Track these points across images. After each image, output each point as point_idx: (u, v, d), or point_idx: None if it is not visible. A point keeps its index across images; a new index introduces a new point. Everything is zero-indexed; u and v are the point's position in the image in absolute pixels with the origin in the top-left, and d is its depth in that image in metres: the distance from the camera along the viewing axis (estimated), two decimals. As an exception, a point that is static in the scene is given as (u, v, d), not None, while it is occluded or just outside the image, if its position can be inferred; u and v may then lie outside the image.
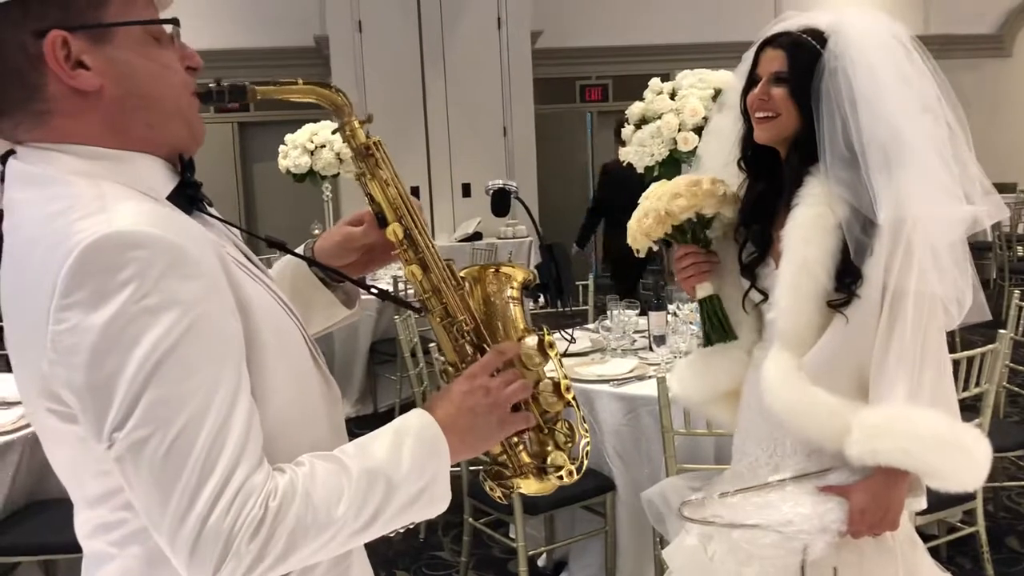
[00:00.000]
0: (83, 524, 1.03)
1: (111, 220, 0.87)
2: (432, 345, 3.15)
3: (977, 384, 2.75)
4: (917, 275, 1.54)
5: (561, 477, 1.14)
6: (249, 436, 0.90)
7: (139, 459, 0.87)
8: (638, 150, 3.33)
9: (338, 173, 5.67)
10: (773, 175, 1.74)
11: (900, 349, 1.55)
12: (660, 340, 3.29)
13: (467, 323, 1.14)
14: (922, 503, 1.69)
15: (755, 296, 1.76)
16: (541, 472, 1.14)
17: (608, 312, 3.49)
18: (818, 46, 1.63)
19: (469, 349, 1.13)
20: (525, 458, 1.14)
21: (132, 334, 0.85)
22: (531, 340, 1.14)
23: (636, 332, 3.51)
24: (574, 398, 1.16)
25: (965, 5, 11.10)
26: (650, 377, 2.94)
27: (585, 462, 1.17)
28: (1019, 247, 7.85)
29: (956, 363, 2.80)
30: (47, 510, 2.85)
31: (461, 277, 1.16)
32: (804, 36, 1.66)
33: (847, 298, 1.58)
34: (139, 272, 0.85)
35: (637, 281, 5.89)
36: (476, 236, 8.30)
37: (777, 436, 1.72)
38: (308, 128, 5.88)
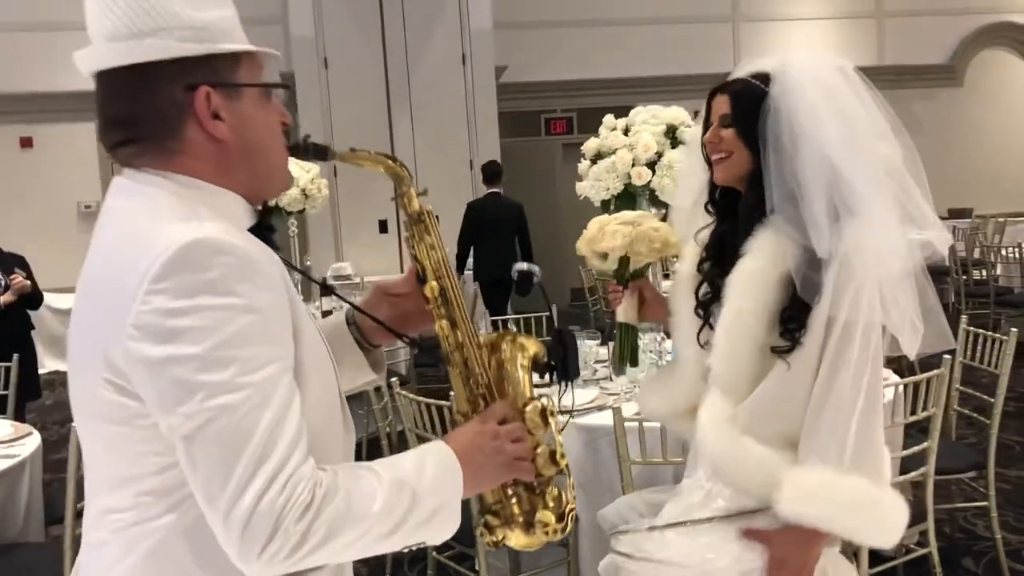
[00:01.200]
0: (99, 507, 1.11)
1: (202, 229, 1.02)
2: (395, 380, 3.18)
3: (924, 408, 2.82)
4: (867, 311, 1.59)
5: (547, 533, 1.27)
6: (301, 431, 1.02)
7: (205, 436, 0.97)
8: (594, 184, 3.41)
9: (303, 209, 5.68)
10: (735, 217, 1.79)
11: (838, 404, 1.60)
12: (620, 370, 3.34)
13: (483, 378, 1.28)
14: (837, 545, 1.77)
15: (707, 334, 1.81)
16: (529, 527, 1.27)
17: (569, 343, 3.54)
18: (763, 87, 1.69)
19: (481, 403, 1.28)
20: (515, 510, 1.27)
21: (211, 324, 0.98)
22: (534, 407, 1.27)
23: (597, 362, 3.56)
24: (567, 466, 1.28)
25: (918, 37, 11.42)
26: (609, 407, 2.99)
27: (571, 525, 1.29)
28: (975, 271, 8.01)
29: (905, 387, 2.88)
30: (5, 555, 2.85)
31: (486, 340, 1.31)
32: (751, 80, 1.73)
33: (791, 345, 1.63)
34: (223, 274, 0.99)
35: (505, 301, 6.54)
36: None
37: (713, 473, 1.79)
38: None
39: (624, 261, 1.92)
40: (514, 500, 1.26)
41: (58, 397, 7.48)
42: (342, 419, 1.20)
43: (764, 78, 1.71)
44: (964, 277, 7.80)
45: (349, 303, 1.42)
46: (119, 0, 1.08)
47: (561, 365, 1.35)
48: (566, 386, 1.36)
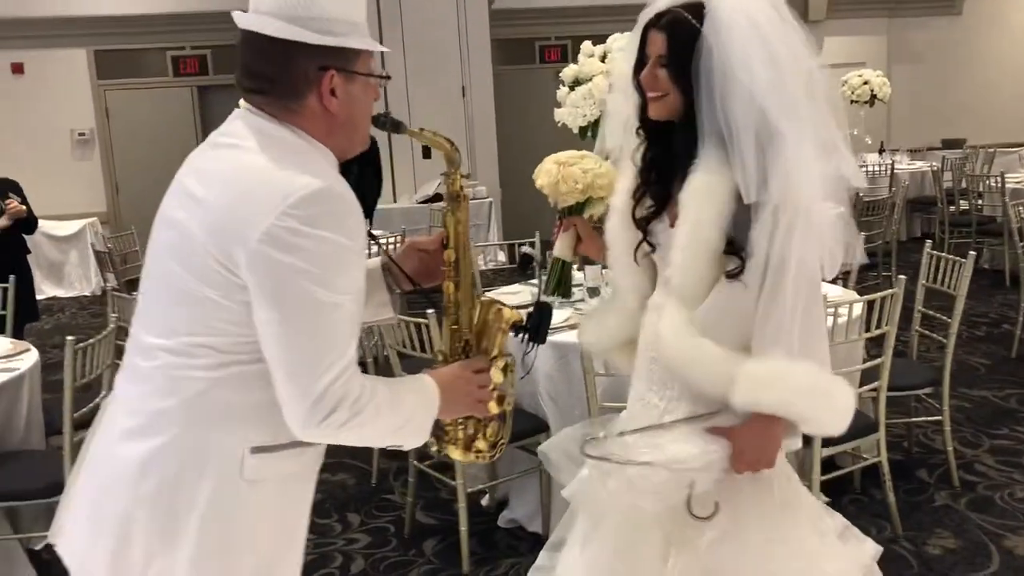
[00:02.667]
0: (149, 344, 1.41)
1: (327, 178, 1.34)
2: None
3: (878, 326, 2.96)
4: (797, 247, 1.67)
5: (478, 456, 1.67)
6: (355, 353, 1.36)
7: (302, 328, 1.30)
8: (571, 111, 3.49)
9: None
10: (670, 139, 1.83)
11: (781, 314, 1.70)
12: (594, 292, 3.48)
13: (467, 333, 1.64)
14: (797, 443, 1.87)
15: (646, 247, 1.89)
16: (467, 449, 1.67)
17: (546, 267, 3.66)
18: (697, 24, 1.70)
19: (460, 350, 1.64)
20: (460, 435, 1.66)
21: (325, 249, 1.29)
22: (501, 362, 1.63)
23: (575, 285, 3.68)
24: (510, 412, 1.69)
25: (917, -37, 11.25)
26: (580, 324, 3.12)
27: (499, 454, 1.71)
28: (962, 201, 8.09)
29: (862, 305, 3.02)
30: (9, 461, 3.01)
31: (479, 302, 1.66)
32: (684, 15, 1.72)
33: (741, 266, 1.71)
34: (342, 218, 1.32)
35: None
36: (437, 197, 8.41)
37: (668, 381, 1.86)
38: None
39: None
40: (462, 427, 1.65)
41: (56, 321, 7.65)
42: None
43: (698, 11, 1.70)
44: (952, 208, 7.88)
45: (386, 253, 1.75)
46: None
47: (535, 331, 1.73)
48: (534, 347, 1.74)
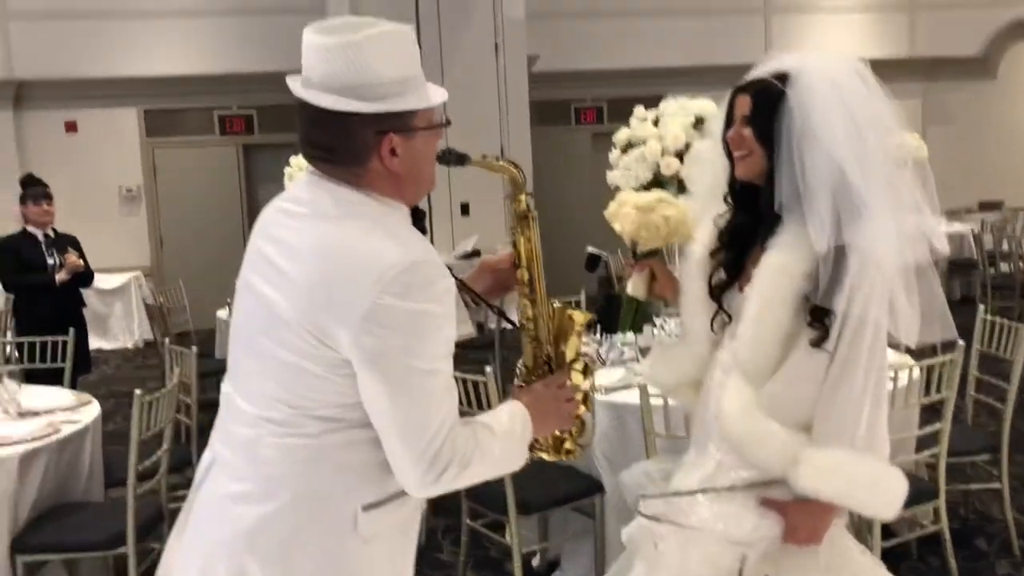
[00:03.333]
0: (255, 415, 1.43)
1: (415, 250, 1.38)
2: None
3: (939, 391, 2.94)
4: (876, 307, 1.70)
5: (569, 455, 1.73)
6: (457, 418, 1.42)
7: (403, 394, 1.35)
8: (624, 173, 3.54)
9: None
10: (755, 209, 1.87)
11: (850, 393, 1.72)
12: (647, 352, 3.49)
13: (547, 348, 1.68)
14: (844, 518, 1.90)
15: (723, 318, 1.91)
16: (557, 452, 1.73)
17: (599, 327, 3.69)
18: (781, 87, 1.77)
19: (543, 362, 1.68)
20: (550, 440, 1.72)
21: (422, 323, 1.35)
22: (580, 364, 1.70)
23: (625, 344, 3.70)
24: (592, 406, 1.75)
25: (950, 28, 11.36)
26: (636, 386, 3.14)
27: (585, 448, 1.77)
28: (1003, 264, 8.05)
29: (920, 370, 3.01)
30: (71, 513, 3.05)
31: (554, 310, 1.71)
32: (771, 80, 1.80)
33: (824, 334, 1.73)
34: (436, 290, 1.37)
35: None
36: (474, 253, 8.51)
37: (725, 445, 1.87)
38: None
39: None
40: (550, 434, 1.71)
41: (101, 373, 7.75)
42: None
43: (783, 77, 1.78)
44: (992, 270, 7.84)
45: (458, 280, 1.74)
46: (337, 58, 1.38)
47: (607, 322, 1.79)
48: (609, 335, 1.73)
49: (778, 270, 1.75)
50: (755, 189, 1.86)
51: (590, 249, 1.83)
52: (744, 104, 1.83)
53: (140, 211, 9.64)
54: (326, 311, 1.35)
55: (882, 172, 1.74)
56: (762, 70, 1.86)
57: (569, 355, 1.70)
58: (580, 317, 1.71)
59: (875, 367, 1.73)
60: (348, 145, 1.40)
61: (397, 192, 1.45)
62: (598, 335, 1.82)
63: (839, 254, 1.71)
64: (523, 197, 1.67)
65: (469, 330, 1.77)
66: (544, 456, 1.73)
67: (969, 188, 11.00)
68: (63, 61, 9.14)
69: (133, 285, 8.97)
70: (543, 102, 10.16)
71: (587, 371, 1.73)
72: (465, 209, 9.15)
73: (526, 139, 9.30)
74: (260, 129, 9.73)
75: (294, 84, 1.43)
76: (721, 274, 1.91)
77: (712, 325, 1.92)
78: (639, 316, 2.08)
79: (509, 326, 1.83)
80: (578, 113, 10.99)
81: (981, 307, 3.73)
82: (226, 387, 1.51)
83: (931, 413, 3.19)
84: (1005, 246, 8.26)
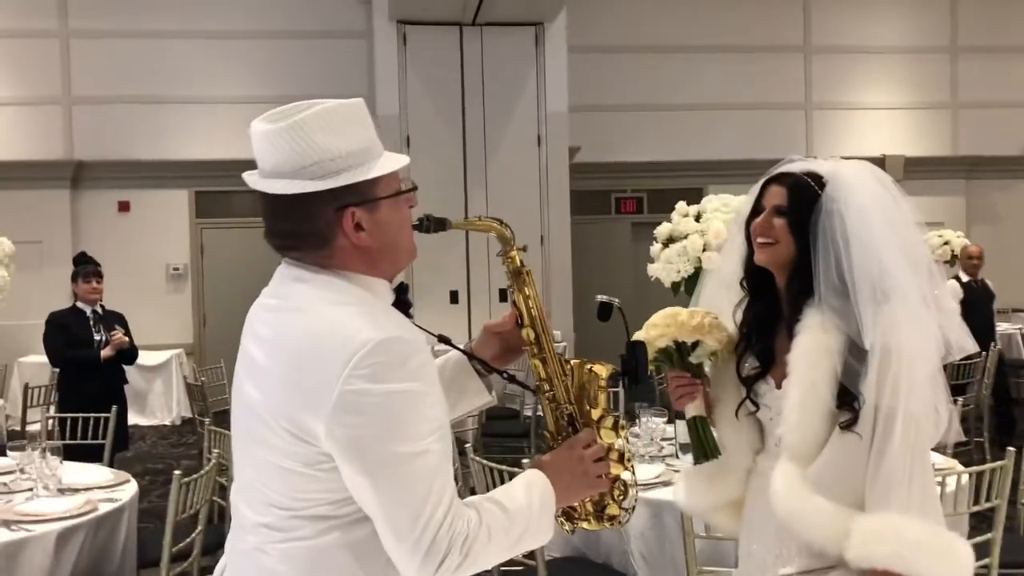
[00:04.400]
0: (254, 522, 1.38)
1: (387, 328, 1.31)
2: (467, 446, 3.34)
3: (988, 499, 2.85)
4: (905, 396, 1.71)
5: (614, 523, 1.61)
6: (455, 496, 1.32)
7: (394, 485, 1.27)
8: (666, 267, 3.57)
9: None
10: (769, 296, 1.93)
11: (891, 465, 1.71)
12: (686, 448, 3.43)
13: (567, 407, 1.57)
14: None
15: (747, 407, 1.91)
16: (600, 520, 1.60)
17: (637, 419, 3.66)
18: (817, 188, 1.83)
19: (565, 424, 1.58)
20: (589, 507, 1.60)
21: (398, 403, 1.28)
22: (608, 421, 1.59)
23: (663, 439, 3.66)
24: (631, 464, 1.62)
25: (993, 127, 11.39)
26: (674, 483, 3.08)
27: (632, 512, 1.63)
28: (1051, 366, 7.86)
29: (969, 476, 2.92)
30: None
31: (570, 368, 1.60)
32: (805, 178, 1.86)
33: (854, 417, 1.74)
34: (408, 367, 1.29)
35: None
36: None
37: (784, 538, 1.85)
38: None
39: (685, 351, 1.95)
40: (589, 499, 1.59)
41: (136, 450, 7.79)
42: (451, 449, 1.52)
43: (817, 179, 1.85)
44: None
45: (462, 350, 1.70)
46: (281, 138, 1.35)
47: (633, 373, 1.69)
48: (635, 386, 1.70)
49: (814, 350, 1.77)
50: (769, 278, 1.91)
51: (600, 297, 1.73)
52: (778, 195, 1.87)
53: (186, 289, 9.85)
54: (298, 403, 1.30)
55: (912, 271, 1.80)
56: (792, 167, 1.91)
57: (595, 413, 1.59)
58: (603, 370, 1.61)
59: (911, 445, 1.71)
60: (310, 228, 1.36)
61: (372, 267, 1.40)
62: (624, 385, 1.70)
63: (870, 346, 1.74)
64: (514, 253, 1.59)
65: (487, 398, 1.70)
66: (586, 526, 1.61)
67: (1016, 288, 10.87)
68: (120, 143, 9.51)
69: (174, 362, 9.09)
70: (584, 192, 10.31)
71: (618, 427, 1.60)
72: (503, 295, 9.20)
73: (566, 228, 9.41)
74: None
75: (250, 178, 1.39)
76: (752, 363, 1.92)
77: (736, 413, 1.92)
78: (708, 436, 1.98)
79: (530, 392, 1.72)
80: (618, 203, 11.11)
81: (1031, 411, 3.62)
82: (232, 494, 1.49)
83: (981, 521, 3.08)
84: (1053, 348, 8.08)
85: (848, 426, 1.75)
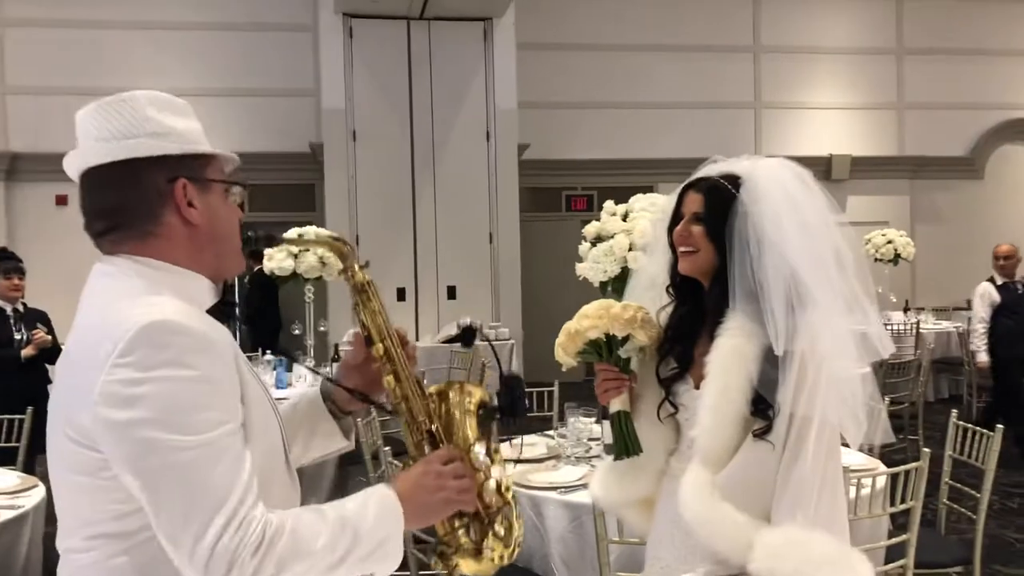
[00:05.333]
0: (63, 548, 1.26)
1: (163, 310, 1.19)
2: (387, 449, 3.27)
3: (903, 501, 2.86)
4: (820, 405, 1.69)
5: (494, 560, 1.43)
6: (252, 480, 1.18)
7: (167, 487, 1.13)
8: (592, 266, 3.53)
9: (320, 276, 5.86)
10: (696, 300, 1.91)
11: (800, 477, 1.69)
12: (611, 448, 3.40)
13: (425, 424, 1.44)
14: None
15: (668, 408, 1.89)
16: (478, 554, 1.42)
17: (565, 419, 3.61)
18: (733, 190, 1.81)
19: (427, 447, 1.44)
20: (463, 540, 1.42)
21: (168, 392, 1.15)
22: (480, 446, 1.44)
23: (592, 439, 3.61)
24: (513, 496, 1.47)
25: (938, 129, 11.57)
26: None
27: (518, 551, 1.46)
28: (989, 364, 7.97)
29: (887, 478, 2.92)
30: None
31: (429, 392, 1.48)
32: (721, 181, 1.84)
33: (768, 426, 1.72)
34: (179, 350, 1.16)
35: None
36: (458, 338, 8.44)
37: (690, 544, 1.83)
38: (294, 230, 6.10)
39: (615, 344, 1.92)
40: (462, 531, 1.42)
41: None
42: (288, 477, 1.37)
43: (734, 180, 1.82)
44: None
45: (321, 375, 1.60)
46: (106, 110, 1.30)
47: (509, 407, 1.54)
48: (512, 422, 1.54)
49: (731, 353, 1.75)
50: (696, 283, 1.89)
51: (463, 321, 1.63)
52: (695, 202, 1.85)
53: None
54: (72, 402, 1.19)
55: (830, 274, 1.76)
56: (711, 170, 1.89)
57: (467, 437, 1.46)
58: (477, 391, 1.50)
59: (823, 455, 1.70)
60: (138, 196, 1.27)
61: (196, 254, 1.31)
62: (500, 420, 1.52)
63: (784, 352, 1.71)
64: (357, 267, 1.50)
65: (343, 443, 1.57)
66: (467, 567, 1.42)
67: (958, 286, 11.04)
68: (57, 135, 9.22)
69: (112, 360, 8.87)
70: (534, 189, 10.28)
71: (492, 452, 1.46)
72: (452, 293, 9.14)
73: (516, 226, 9.37)
74: (251, 207, 9.79)
75: (70, 159, 1.31)
76: (671, 365, 1.90)
77: (658, 414, 1.90)
78: (632, 433, 1.93)
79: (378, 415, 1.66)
80: (569, 201, 11.10)
81: (954, 412, 3.65)
82: None
83: (903, 519, 3.08)
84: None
85: (761, 435, 1.72)
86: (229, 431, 1.19)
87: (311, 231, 1.56)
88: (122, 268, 1.29)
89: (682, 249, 1.85)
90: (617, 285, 3.49)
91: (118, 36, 9.44)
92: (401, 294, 9.02)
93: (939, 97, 11.56)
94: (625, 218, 3.50)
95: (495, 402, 1.53)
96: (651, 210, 3.49)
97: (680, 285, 1.93)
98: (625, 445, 1.89)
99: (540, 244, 10.34)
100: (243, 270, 1.44)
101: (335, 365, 5.81)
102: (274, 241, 1.52)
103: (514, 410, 1.56)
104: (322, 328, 7.46)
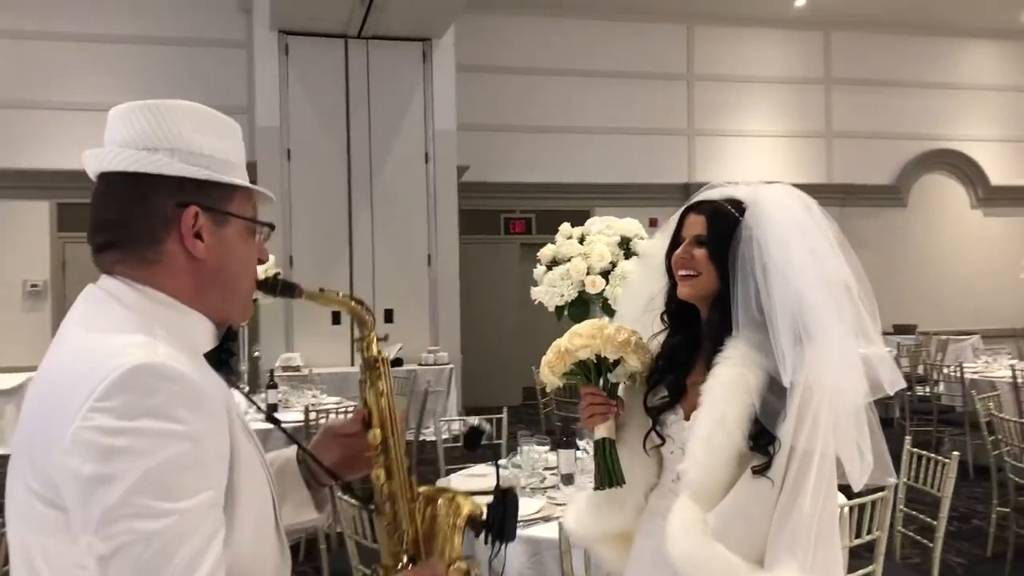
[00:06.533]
0: None
1: (154, 352, 1.04)
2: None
3: (870, 531, 2.82)
4: (823, 438, 1.61)
5: None
6: (219, 567, 1.02)
7: (121, 559, 0.97)
8: (549, 290, 3.44)
9: (256, 299, 5.66)
10: (691, 329, 1.83)
11: (799, 519, 1.61)
12: (568, 479, 3.30)
13: (408, 534, 1.30)
14: None
15: (654, 439, 1.81)
16: None
17: (519, 448, 3.50)
18: (736, 214, 1.74)
19: (404, 558, 1.29)
20: None
21: (146, 448, 0.99)
22: (457, 568, 1.30)
23: (546, 469, 3.51)
24: None
25: (865, 158, 11.91)
26: (556, 518, 2.94)
27: None
28: (919, 387, 8.16)
29: (851, 509, 2.88)
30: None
31: (418, 492, 1.33)
32: (725, 204, 1.77)
33: (768, 461, 1.63)
34: (167, 400, 1.01)
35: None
36: (397, 362, 8.29)
37: None
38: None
39: (605, 367, 1.83)
40: None
41: (-15, 482, 7.18)
42: (278, 548, 1.21)
43: (737, 205, 1.76)
44: (908, 393, 7.93)
45: (298, 443, 1.42)
46: (138, 115, 1.17)
47: (498, 527, 1.36)
48: (499, 546, 1.37)
49: (732, 383, 1.66)
50: (692, 309, 1.81)
51: (471, 421, 1.48)
52: (697, 224, 1.78)
53: (45, 307, 9.19)
54: (40, 445, 1.02)
55: (840, 303, 1.70)
56: (711, 194, 1.83)
57: (446, 553, 1.33)
58: (465, 504, 1.35)
59: (822, 497, 1.62)
60: (142, 214, 1.14)
61: (198, 292, 1.17)
62: (487, 543, 1.36)
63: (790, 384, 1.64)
64: (373, 339, 1.35)
65: (313, 515, 1.41)
66: None
67: (882, 312, 11.29)
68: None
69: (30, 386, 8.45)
70: (473, 211, 10.20)
71: (474, 568, 1.34)
72: (389, 316, 8.96)
73: (455, 248, 9.27)
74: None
75: (89, 153, 1.19)
76: (661, 394, 1.81)
77: (644, 445, 1.81)
78: (615, 462, 1.83)
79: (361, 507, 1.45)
80: (507, 223, 11.05)
81: (908, 439, 3.65)
82: None
83: (861, 549, 3.05)
84: (921, 371, 8.40)
85: (761, 471, 1.63)
86: (207, 501, 1.03)
87: (334, 291, 1.40)
88: (115, 293, 1.15)
89: (682, 273, 1.77)
90: (572, 310, 3.41)
91: (41, 47, 9.09)
92: (336, 317, 8.81)
93: (866, 127, 11.92)
94: (582, 241, 3.42)
95: (485, 515, 1.37)
96: (607, 233, 3.43)
97: (674, 312, 1.85)
98: (609, 475, 1.79)
99: (478, 267, 10.26)
100: (249, 317, 1.30)
101: (271, 392, 5.59)
102: (296, 290, 1.31)
103: (502, 532, 1.36)
104: (256, 353, 7.23)
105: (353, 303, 1.36)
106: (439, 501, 1.35)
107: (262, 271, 1.29)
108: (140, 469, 0.98)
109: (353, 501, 1.44)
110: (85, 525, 0.99)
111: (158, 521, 0.98)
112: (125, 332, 1.08)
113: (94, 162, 1.19)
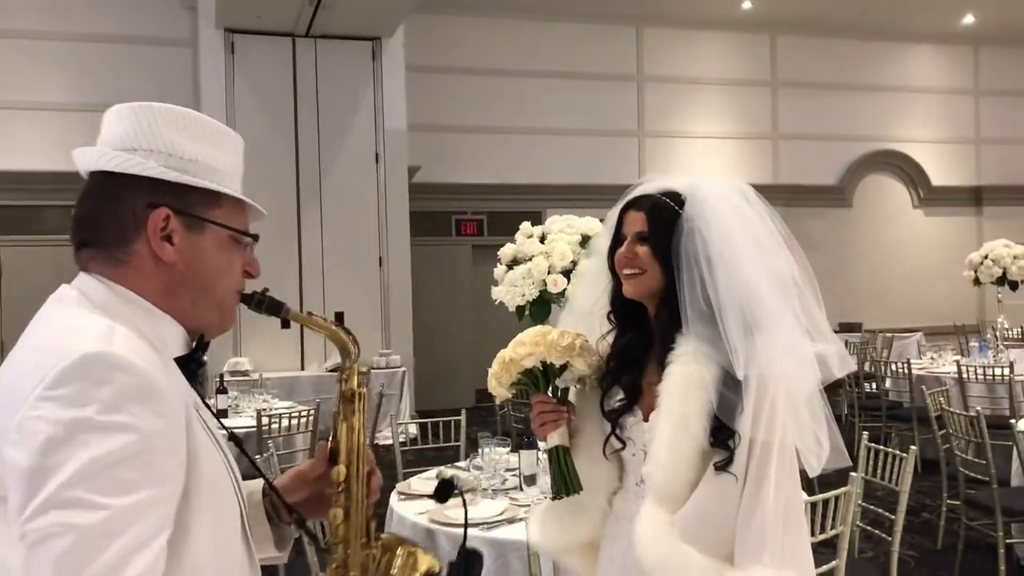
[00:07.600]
0: None
1: (111, 343, 1.01)
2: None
3: (832, 526, 2.83)
4: (781, 429, 1.60)
5: None
6: (155, 569, 0.96)
7: (45, 550, 0.93)
8: (510, 290, 3.40)
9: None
10: (640, 327, 1.80)
11: (764, 511, 1.59)
12: (531, 480, 3.26)
13: None
14: None
15: (615, 443, 1.77)
16: None
17: (479, 450, 3.46)
18: (676, 207, 1.71)
19: None
20: None
21: (86, 439, 0.95)
22: None
23: (507, 470, 3.47)
24: None
25: (810, 159, 12.12)
26: (520, 519, 2.90)
27: None
28: (867, 384, 8.30)
29: (812, 506, 2.89)
30: None
31: (377, 538, 1.27)
32: (663, 198, 1.74)
33: (729, 456, 1.61)
34: (116, 392, 0.98)
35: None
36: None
37: None
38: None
39: (553, 373, 1.80)
40: None
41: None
42: (246, 557, 1.18)
43: (675, 197, 1.73)
44: (856, 390, 8.06)
45: (266, 479, 1.36)
46: (126, 115, 1.17)
47: None
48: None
49: (686, 381, 1.63)
50: (639, 307, 1.77)
51: (446, 472, 1.42)
52: (637, 221, 1.74)
53: (-21, 312, 8.89)
54: None
55: (787, 292, 1.68)
56: (647, 188, 1.78)
57: None
58: (425, 561, 1.28)
59: (785, 486, 1.60)
60: (111, 212, 1.13)
61: (167, 296, 1.13)
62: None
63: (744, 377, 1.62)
64: (354, 372, 1.30)
65: (272, 552, 1.35)
66: None
67: (828, 310, 11.45)
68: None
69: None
70: (424, 212, 10.12)
71: None
72: (340, 318, 8.84)
73: (406, 249, 9.19)
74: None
75: (81, 152, 1.18)
76: (617, 396, 1.77)
77: (604, 451, 1.77)
78: (571, 469, 1.79)
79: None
80: (459, 225, 10.99)
81: (865, 435, 3.69)
82: None
83: (820, 545, 3.07)
84: (868, 367, 8.55)
85: (723, 466, 1.61)
86: (149, 499, 0.97)
87: (321, 317, 1.30)
88: (86, 291, 1.13)
89: (626, 272, 1.74)
90: (535, 310, 3.37)
91: (-24, 44, 8.77)
92: (285, 321, 8.64)
93: (811, 128, 12.12)
94: (543, 240, 3.39)
95: (444, 573, 1.31)
96: (568, 232, 3.40)
97: (621, 310, 1.82)
98: (565, 483, 1.76)
99: (429, 268, 10.18)
100: (226, 330, 1.24)
101: (220, 396, 5.46)
102: (283, 309, 1.27)
103: None
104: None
105: (340, 332, 1.32)
106: (397, 551, 1.28)
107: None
108: (80, 460, 0.94)
109: (308, 538, 1.39)
110: (19, 513, 0.95)
111: (89, 515, 0.93)
112: (84, 326, 1.05)
113: (81, 160, 1.19)
